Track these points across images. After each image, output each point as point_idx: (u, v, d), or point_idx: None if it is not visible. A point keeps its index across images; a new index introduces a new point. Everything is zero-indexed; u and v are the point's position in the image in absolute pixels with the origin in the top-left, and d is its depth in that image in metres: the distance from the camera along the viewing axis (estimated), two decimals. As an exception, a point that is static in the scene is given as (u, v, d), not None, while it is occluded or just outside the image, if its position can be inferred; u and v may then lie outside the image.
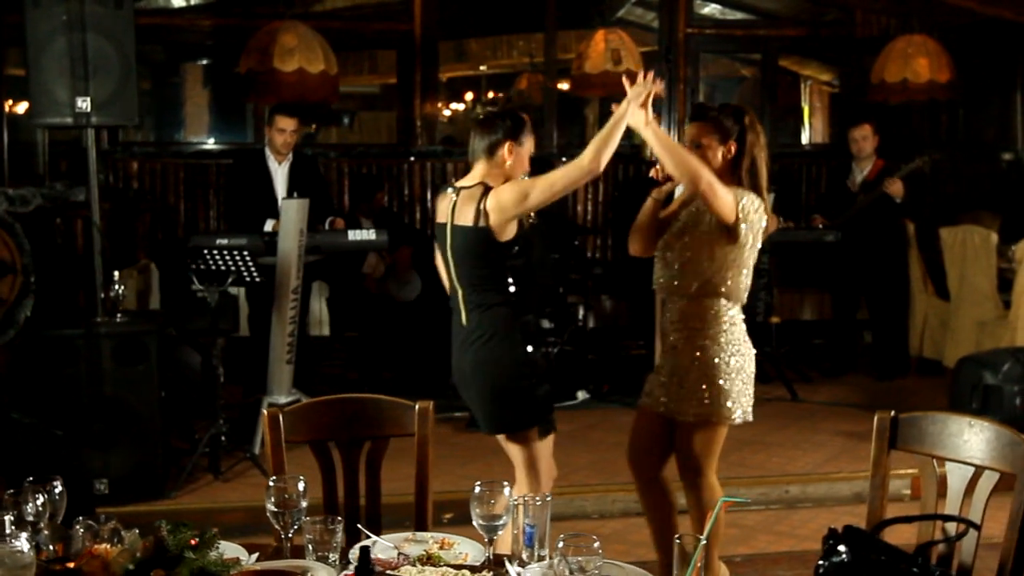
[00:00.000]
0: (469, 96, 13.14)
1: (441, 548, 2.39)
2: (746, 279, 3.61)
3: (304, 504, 2.28)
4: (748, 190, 3.54)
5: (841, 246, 7.16)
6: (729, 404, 3.59)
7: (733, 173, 3.56)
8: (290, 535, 2.28)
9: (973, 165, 8.77)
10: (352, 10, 8.80)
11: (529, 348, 3.63)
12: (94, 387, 4.83)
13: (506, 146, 3.52)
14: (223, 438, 5.41)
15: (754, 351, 3.68)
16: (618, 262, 7.86)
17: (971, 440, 2.63)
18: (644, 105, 3.41)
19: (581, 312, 7.33)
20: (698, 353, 3.59)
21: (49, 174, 6.62)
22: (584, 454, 5.73)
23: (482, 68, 12.81)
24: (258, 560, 2.28)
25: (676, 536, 2.08)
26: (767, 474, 5.46)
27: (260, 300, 5.89)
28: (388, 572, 2.19)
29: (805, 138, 10.82)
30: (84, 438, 4.83)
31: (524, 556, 2.26)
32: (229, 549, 2.30)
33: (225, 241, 5.47)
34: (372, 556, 2.34)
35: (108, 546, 2.14)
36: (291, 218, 5.53)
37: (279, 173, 6.12)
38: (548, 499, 2.29)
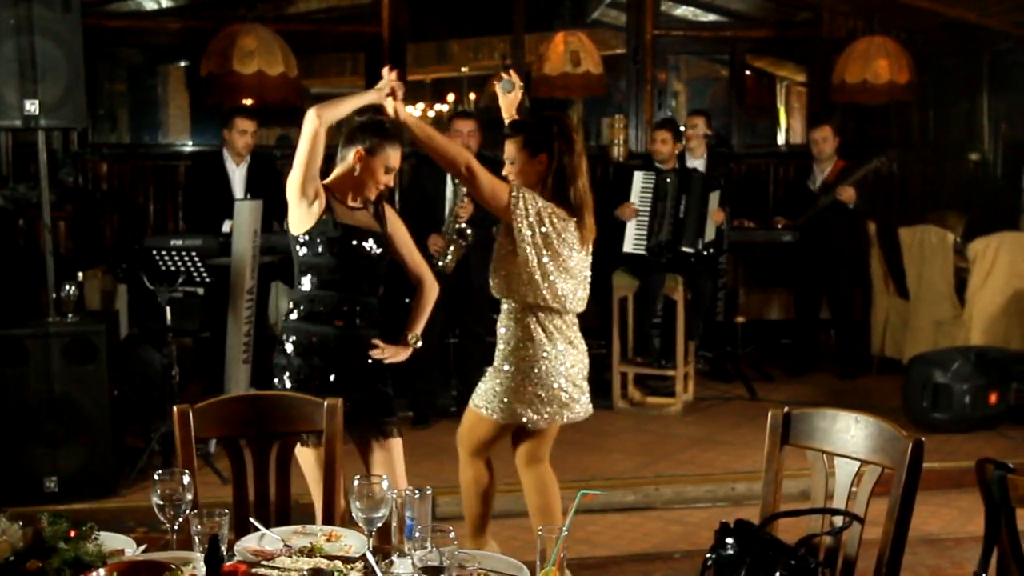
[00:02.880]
0: (451, 97, 13.20)
1: (328, 541, 2.46)
2: (543, 284, 3.68)
3: (189, 497, 2.34)
4: (546, 195, 3.68)
5: (802, 246, 7.23)
6: (494, 402, 3.80)
7: (547, 182, 3.71)
8: (175, 527, 2.33)
9: (940, 165, 8.82)
10: (322, 12, 8.86)
11: (288, 371, 3.51)
12: (44, 386, 4.89)
13: (354, 153, 3.54)
14: (178, 436, 5.46)
15: (561, 365, 3.77)
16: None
17: (857, 435, 2.68)
18: (393, 96, 3.57)
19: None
20: (496, 353, 3.85)
21: (14, 176, 6.67)
22: (536, 452, 5.78)
23: (463, 70, 12.87)
24: (145, 552, 2.34)
25: (539, 528, 2.15)
26: (715, 472, 5.52)
27: (217, 300, 5.96)
28: (263, 563, 2.25)
29: (782, 139, 10.87)
30: (33, 436, 4.89)
31: (405, 548, 2.32)
32: (117, 541, 2.36)
33: (178, 242, 5.54)
34: (258, 547, 2.42)
35: (-7, 538, 2.20)
36: (245, 219, 5.60)
37: (237, 174, 6.20)
38: (429, 492, 2.35)
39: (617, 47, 9.53)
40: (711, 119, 7.35)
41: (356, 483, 2.31)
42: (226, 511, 2.29)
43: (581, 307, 3.83)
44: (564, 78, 7.88)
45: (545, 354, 3.75)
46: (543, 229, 3.64)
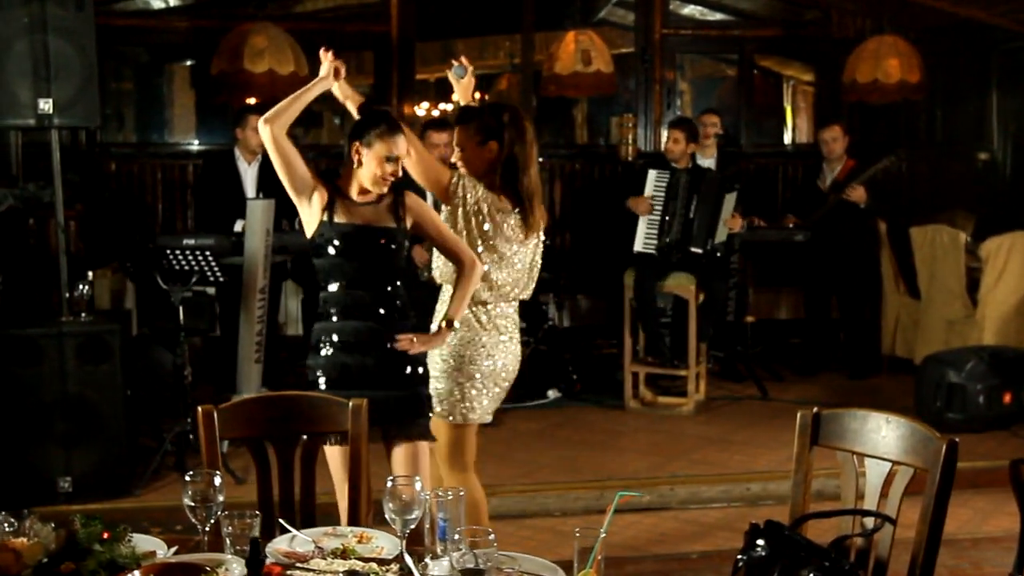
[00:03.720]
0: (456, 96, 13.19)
1: (359, 542, 2.44)
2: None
3: (220, 499, 2.32)
4: (496, 183, 3.65)
5: (812, 245, 7.22)
6: (446, 402, 3.69)
7: (496, 170, 3.67)
8: (207, 529, 2.32)
9: (949, 164, 8.80)
10: (330, 11, 8.84)
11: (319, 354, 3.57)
12: (58, 386, 4.87)
13: (353, 147, 3.47)
14: (191, 436, 5.45)
15: (502, 357, 3.71)
16: (592, 261, 7.87)
17: (888, 436, 2.67)
18: (337, 79, 3.56)
19: (552, 311, 7.36)
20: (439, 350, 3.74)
21: (24, 175, 6.64)
22: (549, 452, 5.78)
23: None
24: (176, 553, 2.33)
25: (576, 529, 2.14)
26: (729, 472, 5.50)
27: (229, 300, 5.94)
28: (297, 564, 2.23)
29: (788, 138, 10.86)
30: (47, 437, 4.87)
31: (438, 549, 2.30)
32: (148, 543, 2.34)
33: (191, 241, 5.52)
34: (289, 549, 2.41)
35: (25, 540, 2.18)
36: (257, 218, 5.58)
37: (248, 174, 6.19)
38: (461, 494, 2.34)
39: (623, 46, 9.50)
40: (722, 118, 7.36)
41: (389, 484, 2.30)
42: (257, 512, 2.28)
43: (526, 295, 3.78)
44: (575, 77, 7.88)
45: (484, 344, 3.68)
46: (480, 218, 3.62)
